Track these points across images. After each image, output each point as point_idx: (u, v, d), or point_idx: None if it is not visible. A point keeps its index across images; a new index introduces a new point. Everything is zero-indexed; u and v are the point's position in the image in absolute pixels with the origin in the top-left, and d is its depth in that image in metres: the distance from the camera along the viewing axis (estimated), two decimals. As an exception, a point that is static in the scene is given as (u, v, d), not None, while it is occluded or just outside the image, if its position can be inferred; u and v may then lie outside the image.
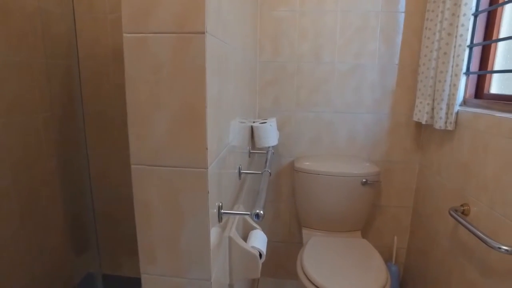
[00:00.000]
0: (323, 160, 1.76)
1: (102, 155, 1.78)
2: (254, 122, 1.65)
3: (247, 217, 1.23)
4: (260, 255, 1.08)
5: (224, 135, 0.93)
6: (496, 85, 1.44)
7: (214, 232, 0.81)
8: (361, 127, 1.80)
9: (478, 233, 1.13)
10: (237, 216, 1.13)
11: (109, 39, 1.70)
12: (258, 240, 1.13)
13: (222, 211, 0.88)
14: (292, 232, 1.96)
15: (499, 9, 1.37)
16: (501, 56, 1.42)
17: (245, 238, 1.15)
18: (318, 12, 1.69)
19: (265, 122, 1.61)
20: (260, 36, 1.75)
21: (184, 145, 0.72)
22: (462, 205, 1.36)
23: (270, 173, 1.22)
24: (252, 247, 1.06)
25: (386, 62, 1.71)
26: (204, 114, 0.70)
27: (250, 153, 1.55)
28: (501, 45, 1.40)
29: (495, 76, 1.43)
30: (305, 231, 1.78)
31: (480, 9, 1.40)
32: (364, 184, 1.67)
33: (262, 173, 1.21)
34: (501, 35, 1.39)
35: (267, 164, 1.36)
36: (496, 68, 1.41)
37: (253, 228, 1.21)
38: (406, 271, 1.93)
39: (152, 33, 0.68)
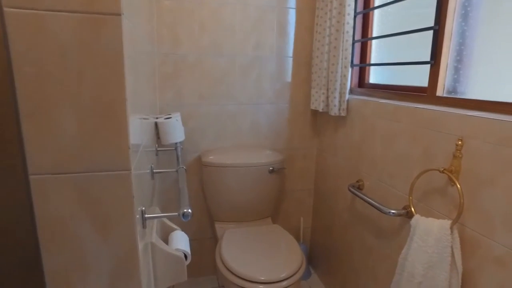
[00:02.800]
0: (230, 152, 1.77)
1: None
2: (157, 118, 1.54)
3: (165, 219, 1.15)
4: (186, 256, 1.03)
5: (140, 131, 0.84)
6: (373, 76, 1.68)
7: (140, 242, 0.72)
8: (263, 118, 1.87)
9: (373, 202, 1.31)
10: (156, 219, 1.04)
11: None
12: (181, 241, 1.07)
13: (145, 216, 0.79)
14: (203, 228, 1.93)
15: (371, 12, 1.59)
16: (374, 51, 1.65)
17: (165, 241, 1.07)
18: (217, 4, 1.67)
19: (170, 117, 1.52)
20: (157, 26, 1.63)
21: (101, 145, 0.61)
22: (357, 181, 1.55)
23: (185, 169, 1.16)
24: (177, 249, 1.00)
25: (282, 54, 1.81)
26: (125, 108, 0.61)
27: (157, 151, 1.44)
28: (374, 43, 1.64)
29: (372, 69, 1.67)
30: (218, 225, 1.77)
31: (357, 10, 1.60)
32: (271, 172, 1.75)
33: (177, 171, 1.15)
34: (374, 34, 1.62)
35: (180, 160, 1.29)
36: (372, 62, 1.64)
37: (172, 229, 1.14)
38: (312, 247, 2.12)
39: (50, 10, 0.55)
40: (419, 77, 1.32)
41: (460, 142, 0.98)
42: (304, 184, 2.04)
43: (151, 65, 1.41)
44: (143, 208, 0.79)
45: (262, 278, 1.27)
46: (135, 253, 0.67)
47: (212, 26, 1.69)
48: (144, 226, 0.79)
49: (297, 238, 2.07)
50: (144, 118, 1.16)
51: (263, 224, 1.78)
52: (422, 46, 1.26)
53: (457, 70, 1.14)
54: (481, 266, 0.96)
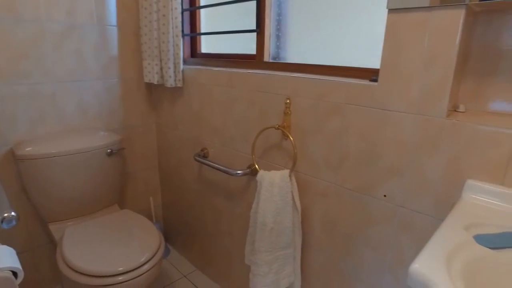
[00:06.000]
0: (55, 140, 1.49)
1: None
2: None
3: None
4: (15, 274, 0.82)
5: None
6: (205, 46, 1.70)
7: None
8: (92, 97, 1.64)
9: (220, 167, 1.38)
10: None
11: None
12: (4, 257, 0.84)
13: None
14: (34, 234, 1.59)
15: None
16: (203, 21, 1.67)
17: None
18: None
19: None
20: None
21: None
22: (202, 150, 1.58)
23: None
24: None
25: (105, 23, 1.60)
26: None
27: None
28: (202, 12, 1.65)
29: (203, 38, 1.69)
30: (53, 227, 1.50)
31: (182, -23, 1.56)
32: (110, 154, 1.58)
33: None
34: (202, 3, 1.62)
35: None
36: (202, 31, 1.66)
37: (-11, 245, 0.88)
38: (166, 224, 2.08)
39: None
40: (247, 45, 1.42)
41: (288, 101, 1.13)
42: (147, 163, 1.94)
43: None
44: None
45: (120, 269, 1.16)
46: None
47: (0, -19, 1.32)
48: None
49: (150, 219, 1.99)
50: None
51: (109, 212, 1.61)
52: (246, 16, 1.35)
53: (278, 38, 1.28)
54: (312, 201, 1.16)
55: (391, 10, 0.86)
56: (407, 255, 0.96)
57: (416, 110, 0.86)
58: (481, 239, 0.59)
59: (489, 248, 0.57)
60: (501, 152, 0.75)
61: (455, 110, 0.88)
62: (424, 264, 0.53)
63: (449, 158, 0.83)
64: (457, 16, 0.75)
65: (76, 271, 1.18)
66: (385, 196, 0.97)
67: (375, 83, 0.93)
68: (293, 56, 1.27)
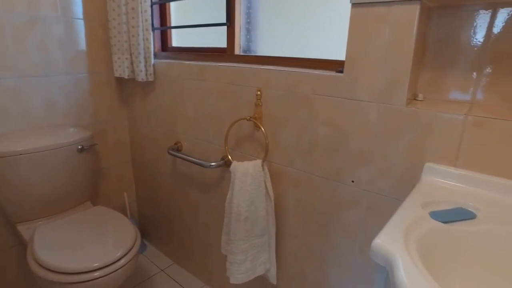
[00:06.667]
0: (21, 137, 1.45)
1: None
2: None
3: None
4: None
5: None
6: (175, 40, 1.70)
7: None
8: (59, 92, 1.60)
9: (194, 159, 1.39)
10: None
11: None
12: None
13: None
14: (0, 235, 1.54)
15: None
16: (173, 15, 1.66)
17: None
18: None
19: None
20: None
21: None
22: (175, 144, 1.59)
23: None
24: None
25: (71, 16, 1.55)
26: None
27: None
28: (172, 6, 1.64)
29: (173, 32, 1.68)
30: (22, 227, 1.45)
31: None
32: (81, 151, 1.55)
33: None
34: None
35: None
36: (172, 25, 1.65)
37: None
38: (142, 220, 2.07)
39: None
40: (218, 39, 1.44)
41: (259, 93, 1.16)
42: (120, 158, 1.92)
43: None
44: None
45: (96, 265, 1.16)
46: None
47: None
48: None
49: (125, 214, 1.96)
50: None
51: (82, 209, 1.59)
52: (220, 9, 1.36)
53: (248, 31, 1.30)
54: (285, 189, 1.20)
55: (354, 5, 0.90)
56: (374, 236, 1.02)
57: (379, 99, 0.91)
58: (435, 215, 0.65)
59: (442, 222, 0.63)
60: (454, 136, 0.82)
61: (415, 99, 0.94)
62: (385, 239, 0.58)
63: (410, 143, 0.89)
64: (413, 11, 0.80)
65: (50, 270, 1.16)
66: (353, 181, 1.03)
67: (341, 74, 0.98)
68: (263, 49, 1.30)
